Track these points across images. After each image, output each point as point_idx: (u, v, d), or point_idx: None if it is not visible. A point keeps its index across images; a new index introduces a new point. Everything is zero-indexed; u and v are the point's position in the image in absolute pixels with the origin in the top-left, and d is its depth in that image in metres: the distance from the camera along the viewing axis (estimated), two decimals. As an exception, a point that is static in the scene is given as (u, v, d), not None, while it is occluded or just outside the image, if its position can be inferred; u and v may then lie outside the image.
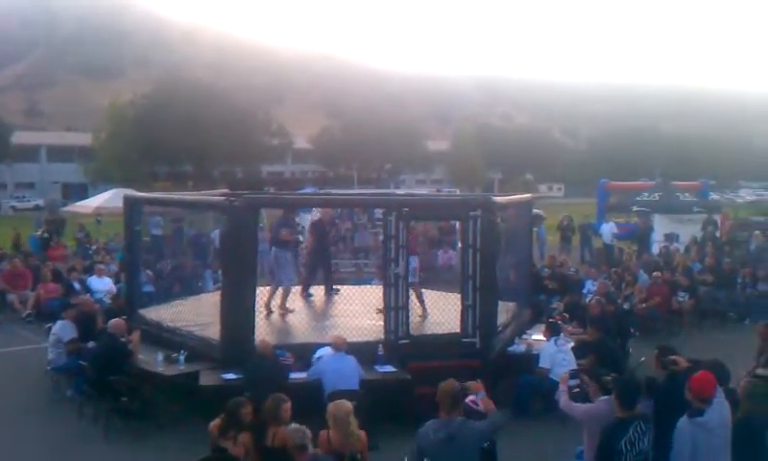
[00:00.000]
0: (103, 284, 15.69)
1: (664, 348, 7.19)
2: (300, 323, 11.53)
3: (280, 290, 12.07)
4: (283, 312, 11.92)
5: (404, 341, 9.84)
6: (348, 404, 6.45)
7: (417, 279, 11.77)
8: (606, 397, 6.36)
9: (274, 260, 12.11)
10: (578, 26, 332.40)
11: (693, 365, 6.52)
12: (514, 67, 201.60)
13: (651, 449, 5.67)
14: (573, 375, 8.03)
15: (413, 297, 11.77)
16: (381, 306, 10.28)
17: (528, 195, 14.77)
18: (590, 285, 14.98)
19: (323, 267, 14.17)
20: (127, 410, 9.09)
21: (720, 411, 5.53)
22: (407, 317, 9.92)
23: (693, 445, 5.38)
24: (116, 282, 15.94)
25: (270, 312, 11.75)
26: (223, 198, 11.07)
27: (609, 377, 7.03)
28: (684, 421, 5.49)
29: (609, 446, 5.54)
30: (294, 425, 5.94)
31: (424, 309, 11.94)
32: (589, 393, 7.15)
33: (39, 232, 25.14)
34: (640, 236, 24.19)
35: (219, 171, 73.58)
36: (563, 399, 6.91)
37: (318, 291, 13.74)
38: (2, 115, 74.07)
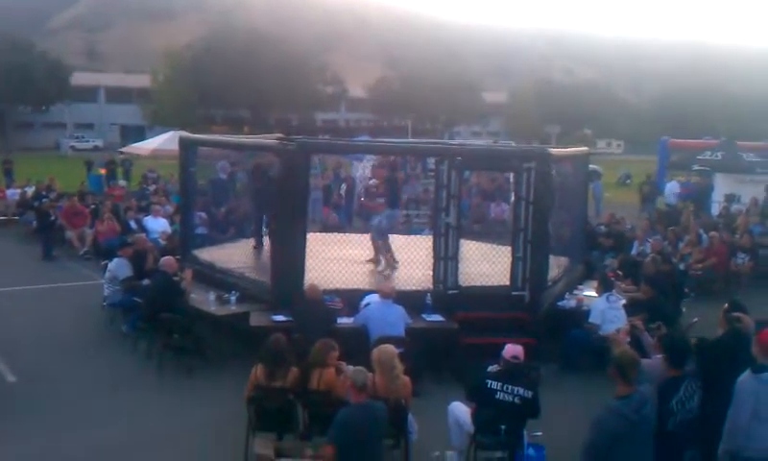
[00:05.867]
0: (158, 224, 15.91)
1: (734, 303, 6.98)
2: (350, 269, 11.54)
3: None
4: None
5: (453, 291, 9.80)
6: (392, 349, 6.47)
7: None
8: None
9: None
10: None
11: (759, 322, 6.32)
12: (577, 21, 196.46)
13: (698, 409, 5.56)
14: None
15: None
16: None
17: (585, 149, 14.43)
18: (637, 245, 14.76)
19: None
20: (179, 347, 9.30)
21: None
22: (456, 268, 9.86)
23: (756, 401, 5.24)
24: (171, 224, 16.12)
25: None
26: (276, 141, 11.05)
27: (654, 326, 6.91)
28: (746, 376, 5.32)
29: (661, 405, 5.43)
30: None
31: None
32: (647, 348, 7.06)
33: (102, 171, 25.67)
34: (698, 196, 23.60)
35: (274, 118, 73.74)
36: None
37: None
38: (61, 56, 74.95)
